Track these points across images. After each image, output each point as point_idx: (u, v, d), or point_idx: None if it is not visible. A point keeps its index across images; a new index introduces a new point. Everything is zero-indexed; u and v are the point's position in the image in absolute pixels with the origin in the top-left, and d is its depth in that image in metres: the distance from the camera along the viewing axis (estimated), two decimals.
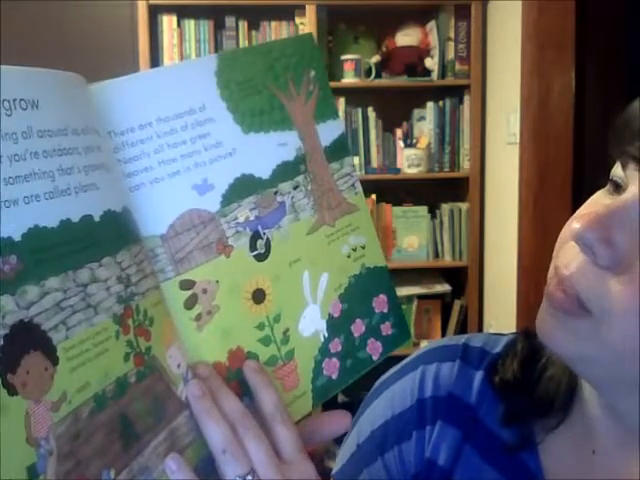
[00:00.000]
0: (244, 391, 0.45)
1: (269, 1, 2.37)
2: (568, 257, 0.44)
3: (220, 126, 0.46)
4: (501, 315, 2.36)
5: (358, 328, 0.51)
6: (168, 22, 2.37)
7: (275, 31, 2.43)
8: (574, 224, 0.42)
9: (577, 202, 0.47)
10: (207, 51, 2.39)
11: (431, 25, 2.48)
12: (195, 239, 0.44)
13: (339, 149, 0.52)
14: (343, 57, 2.41)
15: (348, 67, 2.40)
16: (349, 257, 0.51)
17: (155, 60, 2.35)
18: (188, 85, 0.45)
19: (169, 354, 0.42)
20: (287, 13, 2.41)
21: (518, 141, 2.09)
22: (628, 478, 0.47)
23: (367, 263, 0.53)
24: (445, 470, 0.54)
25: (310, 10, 2.34)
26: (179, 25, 2.38)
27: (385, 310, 0.53)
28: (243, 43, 2.41)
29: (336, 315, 0.50)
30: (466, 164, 2.47)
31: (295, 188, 0.49)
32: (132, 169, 0.42)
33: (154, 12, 2.35)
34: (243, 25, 2.42)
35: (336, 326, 0.50)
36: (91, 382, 0.36)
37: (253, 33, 2.44)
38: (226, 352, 0.45)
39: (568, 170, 2.00)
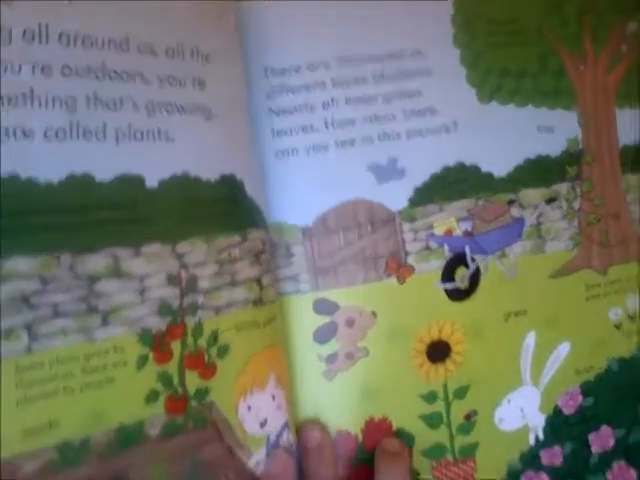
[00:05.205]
0: None
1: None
2: None
3: (440, 84, 0.31)
4: None
5: (602, 440, 0.35)
6: None
7: None
8: None
9: None
10: None
11: None
12: (355, 245, 0.30)
13: None
14: None
15: None
16: (619, 328, 0.36)
17: None
18: (401, 18, 0.30)
19: (247, 404, 0.28)
20: None
21: None
22: None
23: None
24: None
25: None
26: None
27: None
28: None
29: (568, 411, 0.35)
30: None
31: (549, 201, 0.33)
32: (284, 126, 0.30)
33: None
34: None
35: (563, 428, 0.35)
36: (60, 422, 0.24)
37: None
38: (362, 420, 0.32)
39: None
